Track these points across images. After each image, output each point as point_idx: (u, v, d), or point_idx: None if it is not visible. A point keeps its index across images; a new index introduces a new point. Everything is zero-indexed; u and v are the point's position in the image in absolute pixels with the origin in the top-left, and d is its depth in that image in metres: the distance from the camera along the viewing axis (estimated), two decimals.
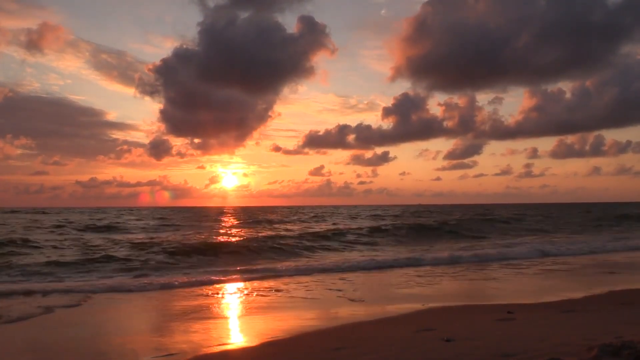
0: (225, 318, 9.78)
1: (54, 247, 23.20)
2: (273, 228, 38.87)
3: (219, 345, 7.56)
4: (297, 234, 30.43)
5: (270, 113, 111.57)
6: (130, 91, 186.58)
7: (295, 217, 59.35)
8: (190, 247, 21.72)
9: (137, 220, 52.04)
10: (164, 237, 28.25)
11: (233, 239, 27.39)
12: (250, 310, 10.48)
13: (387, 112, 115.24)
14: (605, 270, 15.97)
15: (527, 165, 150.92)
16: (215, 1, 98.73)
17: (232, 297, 12.28)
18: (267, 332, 8.30)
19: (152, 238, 27.77)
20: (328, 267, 17.38)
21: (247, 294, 12.33)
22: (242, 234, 32.84)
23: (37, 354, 7.40)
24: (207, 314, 9.98)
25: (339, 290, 12.65)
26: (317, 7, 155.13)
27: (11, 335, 8.54)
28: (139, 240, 25.77)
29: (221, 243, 24.69)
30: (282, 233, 31.51)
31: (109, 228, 37.54)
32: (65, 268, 16.72)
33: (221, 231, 36.43)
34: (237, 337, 8.30)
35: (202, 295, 12.30)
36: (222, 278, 14.91)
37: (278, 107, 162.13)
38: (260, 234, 30.87)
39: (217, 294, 12.54)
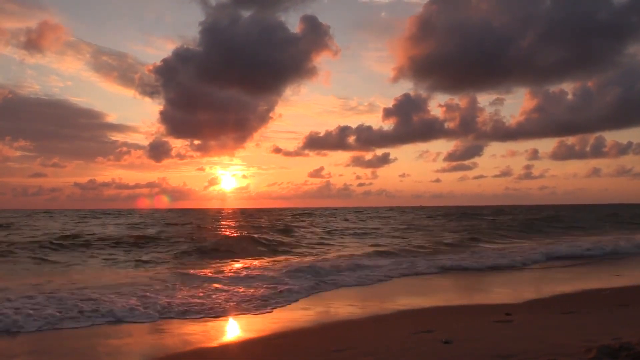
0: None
1: None
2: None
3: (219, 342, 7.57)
4: None
5: (271, 114, 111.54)
6: (131, 93, 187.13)
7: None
8: None
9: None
10: None
11: None
12: None
13: (387, 113, 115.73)
14: None
15: (527, 167, 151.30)
16: (217, 0, 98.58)
17: None
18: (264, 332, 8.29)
19: None
20: None
21: None
22: None
23: None
24: None
25: None
26: (316, 8, 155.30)
27: None
28: None
29: None
30: None
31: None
32: None
33: None
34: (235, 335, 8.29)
35: None
36: None
37: (279, 109, 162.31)
38: None
39: None
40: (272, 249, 23.12)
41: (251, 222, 48.20)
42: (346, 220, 56.00)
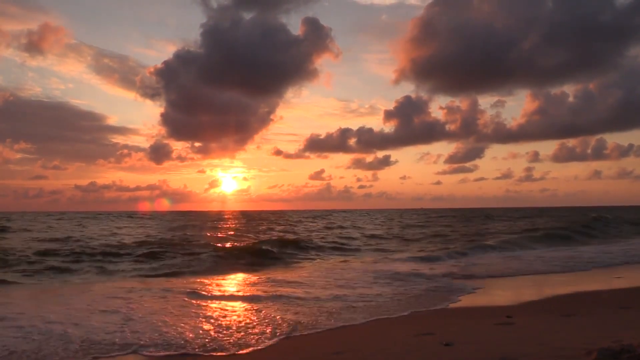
0: None
1: None
2: None
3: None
4: None
5: (272, 116, 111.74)
6: (132, 95, 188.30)
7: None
8: None
9: None
10: None
11: None
12: None
13: (388, 115, 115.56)
14: None
15: (528, 169, 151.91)
16: (218, 2, 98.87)
17: None
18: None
19: None
20: None
21: None
22: None
23: None
24: None
25: None
26: (317, 10, 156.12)
27: None
28: None
29: None
30: None
31: None
32: None
33: None
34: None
35: None
36: None
37: (280, 111, 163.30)
38: None
39: None
40: (329, 253, 23.35)
41: (275, 226, 47.28)
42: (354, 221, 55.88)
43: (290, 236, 30.87)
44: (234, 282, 14.60)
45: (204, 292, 12.17)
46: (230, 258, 19.68)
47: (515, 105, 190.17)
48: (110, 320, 9.00)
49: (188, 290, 12.36)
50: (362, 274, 15.36)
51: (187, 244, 24.33)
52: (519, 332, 7.35)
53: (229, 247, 23.04)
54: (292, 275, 15.73)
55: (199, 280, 14.74)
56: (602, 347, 5.32)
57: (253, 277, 15.33)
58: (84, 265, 18.08)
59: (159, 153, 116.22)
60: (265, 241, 25.15)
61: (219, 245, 23.86)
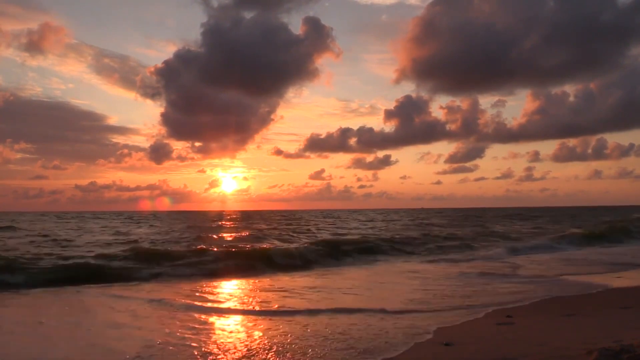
0: None
1: None
2: None
3: None
4: None
5: (272, 116, 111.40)
6: (132, 95, 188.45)
7: None
8: None
9: None
10: None
11: None
12: None
13: (389, 115, 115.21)
14: None
15: (528, 169, 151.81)
16: (219, 1, 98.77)
17: None
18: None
19: None
20: None
21: None
22: None
23: None
24: None
25: None
26: (317, 10, 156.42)
27: None
28: None
29: None
30: None
31: None
32: None
33: None
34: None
35: None
36: None
37: (280, 110, 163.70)
38: None
39: None
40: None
41: (287, 226, 45.87)
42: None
43: (325, 235, 30.45)
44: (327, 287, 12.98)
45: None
46: (291, 259, 18.51)
47: (516, 105, 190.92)
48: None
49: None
50: (459, 276, 15.03)
51: (227, 245, 22.87)
52: (519, 332, 7.34)
53: (287, 248, 21.09)
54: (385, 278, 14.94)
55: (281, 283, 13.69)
56: (603, 347, 5.32)
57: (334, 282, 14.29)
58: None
59: (159, 153, 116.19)
60: (319, 242, 23.82)
61: (264, 246, 21.98)
